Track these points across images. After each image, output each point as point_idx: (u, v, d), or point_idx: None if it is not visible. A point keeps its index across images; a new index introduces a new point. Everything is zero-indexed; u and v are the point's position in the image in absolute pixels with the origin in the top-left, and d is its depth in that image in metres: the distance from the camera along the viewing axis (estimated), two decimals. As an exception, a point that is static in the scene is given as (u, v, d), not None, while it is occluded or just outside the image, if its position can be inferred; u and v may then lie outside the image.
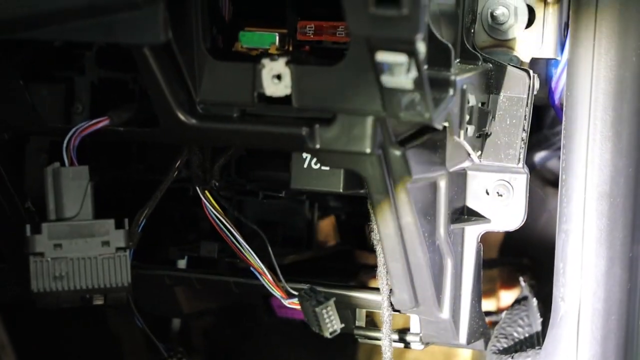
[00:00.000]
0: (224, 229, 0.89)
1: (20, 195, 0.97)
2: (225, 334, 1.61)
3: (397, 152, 0.70)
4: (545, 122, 1.04)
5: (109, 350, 1.56)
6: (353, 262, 1.15)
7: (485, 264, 1.02)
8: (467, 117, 0.76)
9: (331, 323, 0.80)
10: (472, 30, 0.90)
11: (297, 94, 0.66)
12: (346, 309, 0.93)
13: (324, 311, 0.80)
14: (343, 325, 0.85)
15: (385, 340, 0.82)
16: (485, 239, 0.83)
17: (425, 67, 0.63)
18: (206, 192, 0.91)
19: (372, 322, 0.96)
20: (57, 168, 0.80)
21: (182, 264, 1.08)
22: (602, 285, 0.70)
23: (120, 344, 1.59)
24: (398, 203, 0.73)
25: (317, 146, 0.71)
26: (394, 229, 0.73)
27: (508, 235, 0.96)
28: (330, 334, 0.82)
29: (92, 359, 1.61)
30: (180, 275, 1.00)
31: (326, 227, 1.18)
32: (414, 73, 0.61)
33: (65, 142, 0.82)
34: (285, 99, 0.69)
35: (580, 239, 0.77)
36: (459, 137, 0.72)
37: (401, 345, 0.96)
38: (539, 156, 1.07)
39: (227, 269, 1.02)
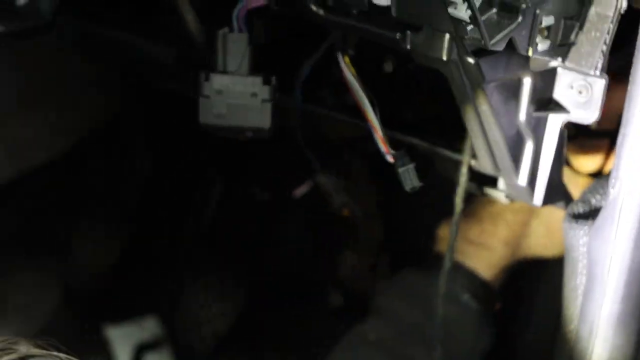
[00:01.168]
0: (353, 88, 1.03)
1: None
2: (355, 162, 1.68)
3: (471, 61, 0.82)
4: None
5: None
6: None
7: (599, 135, 1.10)
8: (538, 36, 0.81)
9: (410, 181, 0.97)
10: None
11: (396, 6, 0.80)
12: (450, 162, 1.11)
13: (405, 171, 0.97)
14: (422, 184, 1.00)
15: (458, 198, 1.01)
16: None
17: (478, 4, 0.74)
18: (345, 57, 1.03)
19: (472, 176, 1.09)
20: (226, 32, 0.97)
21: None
22: (646, 183, 0.77)
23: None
24: (475, 97, 0.86)
25: (408, 47, 0.84)
26: (473, 115, 0.88)
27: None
28: (410, 189, 0.99)
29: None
30: (328, 114, 1.18)
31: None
32: (469, 11, 0.74)
33: (236, 12, 0.98)
34: (387, 9, 0.82)
35: (635, 142, 0.84)
36: (526, 53, 0.80)
37: (492, 196, 1.09)
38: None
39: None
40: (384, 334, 1.22)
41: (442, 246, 1.29)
